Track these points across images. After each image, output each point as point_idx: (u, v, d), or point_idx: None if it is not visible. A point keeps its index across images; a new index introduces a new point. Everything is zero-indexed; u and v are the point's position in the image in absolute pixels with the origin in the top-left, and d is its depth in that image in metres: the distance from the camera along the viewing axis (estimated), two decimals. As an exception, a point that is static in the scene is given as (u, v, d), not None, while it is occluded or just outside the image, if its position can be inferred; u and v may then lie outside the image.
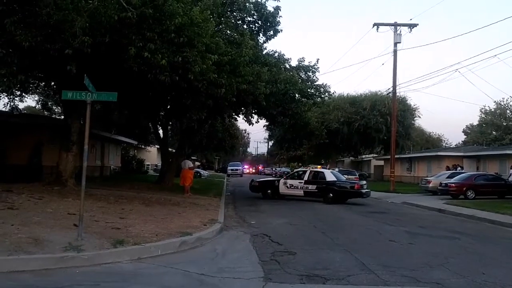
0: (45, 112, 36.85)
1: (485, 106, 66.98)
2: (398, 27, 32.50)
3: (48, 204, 12.62)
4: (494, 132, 64.57)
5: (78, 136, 17.51)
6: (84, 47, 12.26)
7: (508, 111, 64.89)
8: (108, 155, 34.73)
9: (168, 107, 25.35)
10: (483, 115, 67.50)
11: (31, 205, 12.16)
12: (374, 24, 33.10)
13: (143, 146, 45.60)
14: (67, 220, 10.21)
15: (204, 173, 46.72)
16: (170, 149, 32.29)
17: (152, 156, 54.60)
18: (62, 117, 23.41)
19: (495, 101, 64.83)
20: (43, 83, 22.82)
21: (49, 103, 34.34)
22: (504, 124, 63.59)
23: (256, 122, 25.78)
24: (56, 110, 38.11)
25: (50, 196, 14.22)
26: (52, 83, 20.73)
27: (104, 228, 9.73)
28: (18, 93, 22.13)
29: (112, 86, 13.34)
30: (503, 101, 64.20)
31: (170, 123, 31.89)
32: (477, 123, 69.98)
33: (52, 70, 16.21)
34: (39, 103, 32.64)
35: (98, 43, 12.87)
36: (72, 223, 9.55)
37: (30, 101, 46.64)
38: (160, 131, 31.43)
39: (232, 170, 63.63)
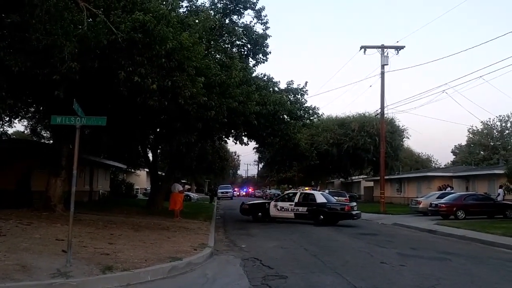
0: (34, 138, 36.60)
1: (472, 126, 67.92)
2: (385, 50, 32.88)
3: (36, 230, 12.46)
4: (482, 152, 65.24)
5: (67, 161, 17.41)
6: (72, 73, 12.27)
7: (494, 131, 65.71)
8: (97, 180, 34.52)
9: (158, 130, 25.30)
10: (471, 135, 68.30)
11: (19, 231, 11.99)
12: (362, 47, 33.52)
13: (132, 170, 45.35)
14: (56, 246, 10.09)
15: (195, 196, 46.52)
16: (159, 173, 32.11)
17: (141, 180, 54.28)
18: (51, 141, 23.28)
19: (482, 121, 65.78)
20: (32, 108, 22.73)
21: (38, 128, 34.11)
22: (491, 144, 64.29)
23: (246, 144, 25.74)
24: (45, 135, 37.87)
25: (39, 222, 14.05)
26: (41, 107, 20.65)
27: (93, 253, 9.62)
28: (7, 118, 22.02)
29: (101, 110, 13.35)
30: (490, 121, 65.15)
31: (160, 146, 31.78)
32: (465, 143, 70.73)
33: (41, 95, 16.19)
34: (28, 128, 32.40)
35: (87, 68, 12.88)
36: (61, 249, 9.45)
37: (19, 126, 46.39)
38: (150, 155, 31.28)
39: (222, 193, 63.13)
